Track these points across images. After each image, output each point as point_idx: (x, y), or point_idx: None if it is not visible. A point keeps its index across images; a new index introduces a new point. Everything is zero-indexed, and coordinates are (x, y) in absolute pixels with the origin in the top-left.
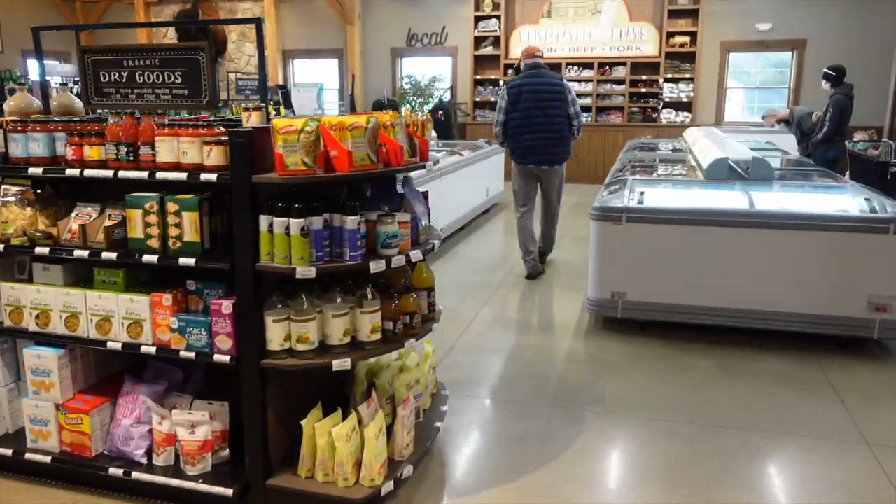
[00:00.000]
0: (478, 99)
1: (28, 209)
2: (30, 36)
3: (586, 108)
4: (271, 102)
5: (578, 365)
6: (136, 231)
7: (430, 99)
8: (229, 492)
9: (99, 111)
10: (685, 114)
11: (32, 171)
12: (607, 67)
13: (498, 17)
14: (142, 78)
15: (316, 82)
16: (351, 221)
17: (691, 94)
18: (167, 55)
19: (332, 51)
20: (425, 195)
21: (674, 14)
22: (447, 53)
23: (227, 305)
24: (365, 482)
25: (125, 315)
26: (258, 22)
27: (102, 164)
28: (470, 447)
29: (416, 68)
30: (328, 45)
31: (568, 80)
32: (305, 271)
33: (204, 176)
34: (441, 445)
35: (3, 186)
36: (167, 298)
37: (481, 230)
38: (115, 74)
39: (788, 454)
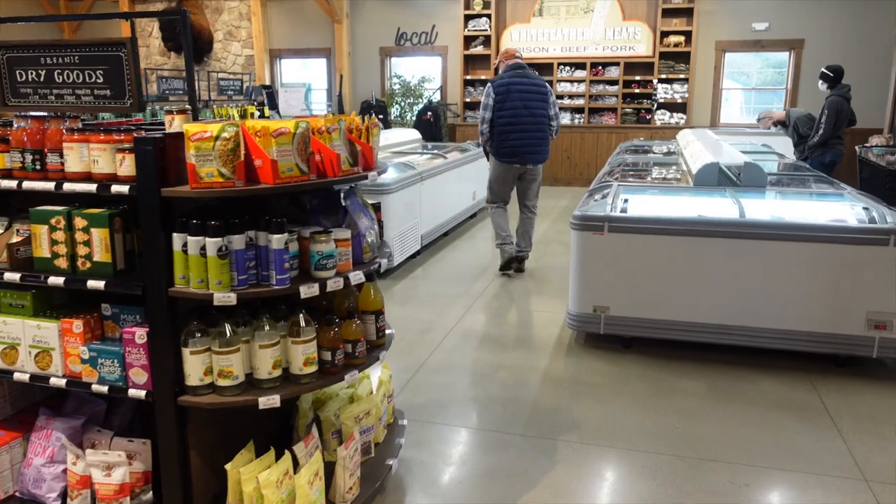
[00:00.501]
0: (468, 100)
1: None
2: (10, 34)
3: (579, 109)
4: (255, 103)
5: (555, 387)
6: (41, 249)
7: (420, 100)
8: None
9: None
10: (680, 115)
11: None
12: (600, 67)
13: (488, 16)
14: (61, 77)
15: (304, 82)
16: (277, 241)
17: (686, 95)
18: (87, 52)
19: (319, 50)
20: (377, 207)
21: (668, 13)
22: (437, 53)
23: (140, 334)
24: None
25: (32, 343)
26: (184, 15)
27: (8, 174)
28: (430, 485)
29: (406, 68)
30: (316, 44)
31: (560, 81)
32: (224, 297)
33: (115, 188)
34: (398, 483)
35: None
36: (77, 325)
37: (466, 235)
38: (32, 73)
39: (778, 492)
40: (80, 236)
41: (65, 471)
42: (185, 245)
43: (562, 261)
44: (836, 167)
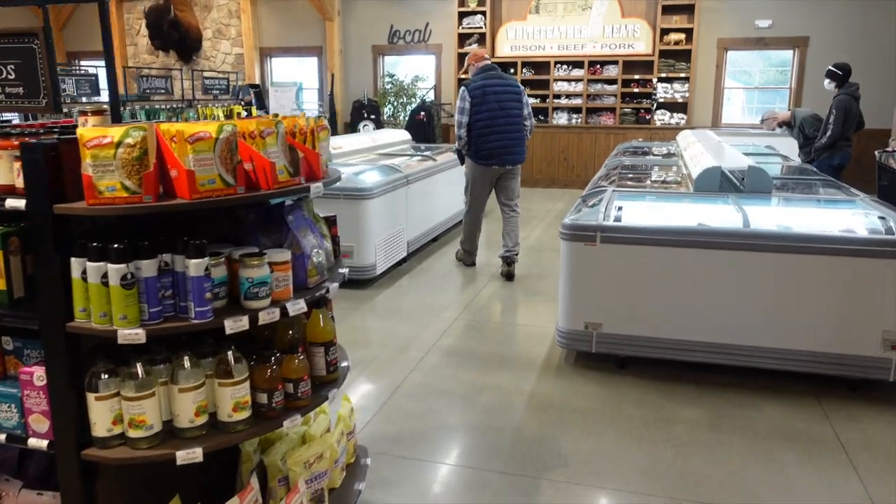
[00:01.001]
0: None
1: None
2: None
3: (576, 109)
4: (242, 103)
5: (542, 413)
6: None
7: (413, 99)
8: None
9: None
10: (680, 115)
11: None
12: (598, 66)
13: (483, 14)
14: None
15: (295, 81)
16: (195, 266)
17: (687, 95)
18: None
19: (311, 48)
20: (330, 221)
21: (668, 10)
22: (431, 52)
23: (39, 375)
24: None
25: None
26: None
27: None
28: None
29: (399, 67)
30: (307, 42)
31: (557, 80)
32: (131, 335)
33: (10, 202)
34: None
35: None
36: None
37: (457, 241)
38: None
39: None
40: None
41: None
42: (84, 272)
43: (555, 269)
44: (843, 170)
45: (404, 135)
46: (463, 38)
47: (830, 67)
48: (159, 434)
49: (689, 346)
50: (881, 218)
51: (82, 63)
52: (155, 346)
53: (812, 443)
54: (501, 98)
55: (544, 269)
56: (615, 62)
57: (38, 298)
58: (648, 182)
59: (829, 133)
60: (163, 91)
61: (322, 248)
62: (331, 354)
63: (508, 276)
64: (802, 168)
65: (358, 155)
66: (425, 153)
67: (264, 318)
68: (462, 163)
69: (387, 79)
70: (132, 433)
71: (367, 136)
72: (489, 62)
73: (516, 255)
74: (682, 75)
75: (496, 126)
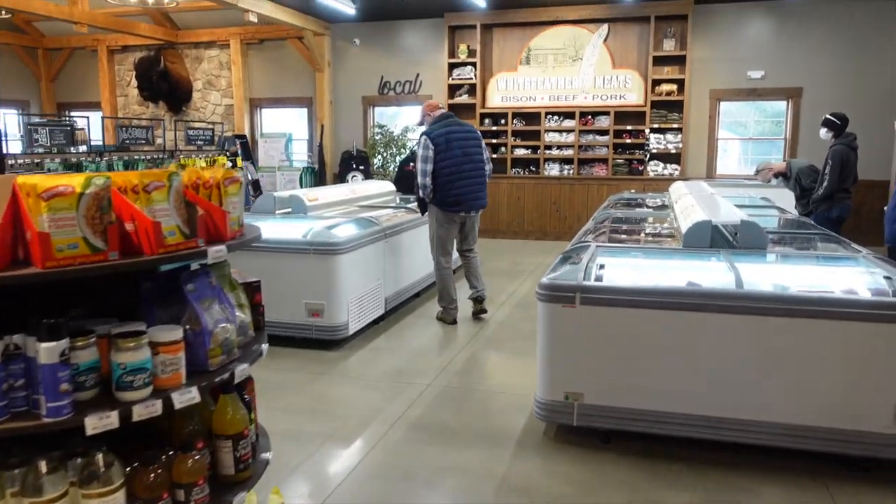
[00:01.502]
0: None
1: None
2: None
3: (568, 160)
4: (227, 154)
5: (514, 502)
6: None
7: (402, 150)
8: None
9: None
10: (674, 166)
11: None
12: (590, 117)
13: (473, 65)
14: None
15: (284, 132)
16: (46, 352)
17: (680, 146)
18: None
19: (301, 99)
20: (254, 287)
21: (659, 61)
22: (421, 102)
23: None
24: None
25: None
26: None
27: None
28: None
29: (396, 118)
30: (297, 93)
31: (548, 130)
32: None
33: None
34: None
35: None
36: None
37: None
38: None
39: None
40: None
41: None
42: None
43: None
44: (843, 223)
45: (388, 186)
46: (453, 89)
47: (827, 116)
48: None
49: (678, 420)
50: (887, 278)
51: (72, 114)
52: (7, 443)
53: None
54: (464, 144)
55: (530, 328)
56: (607, 113)
57: None
58: (638, 236)
59: (825, 184)
60: (143, 141)
61: (232, 321)
62: (241, 449)
63: (481, 311)
64: (800, 221)
65: (336, 207)
66: (409, 205)
67: (141, 412)
68: (423, 213)
69: (376, 129)
70: None
71: (347, 187)
72: (445, 110)
73: (484, 292)
74: (675, 126)
75: (462, 172)
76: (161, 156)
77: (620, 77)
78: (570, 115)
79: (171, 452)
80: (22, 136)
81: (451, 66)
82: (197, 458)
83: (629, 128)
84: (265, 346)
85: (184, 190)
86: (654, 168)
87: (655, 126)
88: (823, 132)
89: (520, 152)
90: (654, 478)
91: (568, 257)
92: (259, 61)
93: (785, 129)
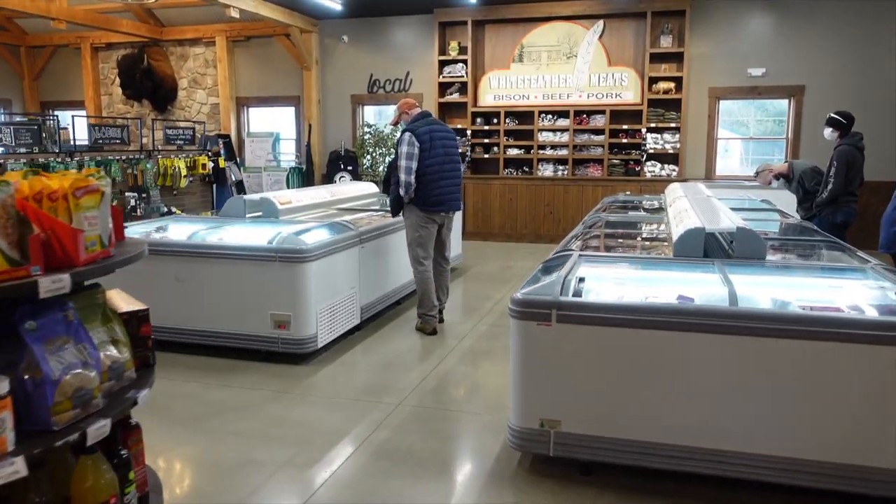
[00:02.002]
0: None
1: None
2: None
3: (562, 160)
4: (209, 154)
5: None
6: None
7: (392, 150)
8: None
9: None
10: (671, 167)
11: None
12: (584, 116)
13: (465, 62)
14: None
15: (271, 132)
16: None
17: (678, 146)
18: None
19: (288, 98)
20: (139, 318)
21: (656, 58)
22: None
23: None
24: None
25: None
26: None
27: None
28: None
29: (379, 117)
30: (284, 91)
31: (542, 129)
32: None
33: None
34: None
35: None
36: None
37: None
38: None
39: None
40: None
41: None
42: None
43: None
44: (848, 228)
45: (371, 188)
46: (444, 87)
47: (832, 115)
48: None
49: (665, 451)
50: None
51: (56, 112)
52: None
53: None
54: (446, 143)
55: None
56: (602, 112)
57: None
58: (629, 242)
59: (830, 187)
60: (118, 141)
61: (93, 365)
62: None
63: (440, 321)
64: (802, 226)
65: (311, 210)
66: (388, 208)
67: None
68: (396, 214)
69: (365, 129)
70: None
71: (326, 189)
72: (424, 109)
73: (445, 305)
74: (673, 125)
75: (444, 172)
76: (138, 156)
77: (616, 75)
78: (564, 114)
79: None
80: None
81: (442, 64)
82: None
83: (625, 127)
84: (145, 393)
85: (17, 202)
86: (651, 169)
87: (652, 125)
88: (828, 132)
89: (512, 152)
90: None
91: (548, 268)
92: (245, 59)
93: (786, 128)
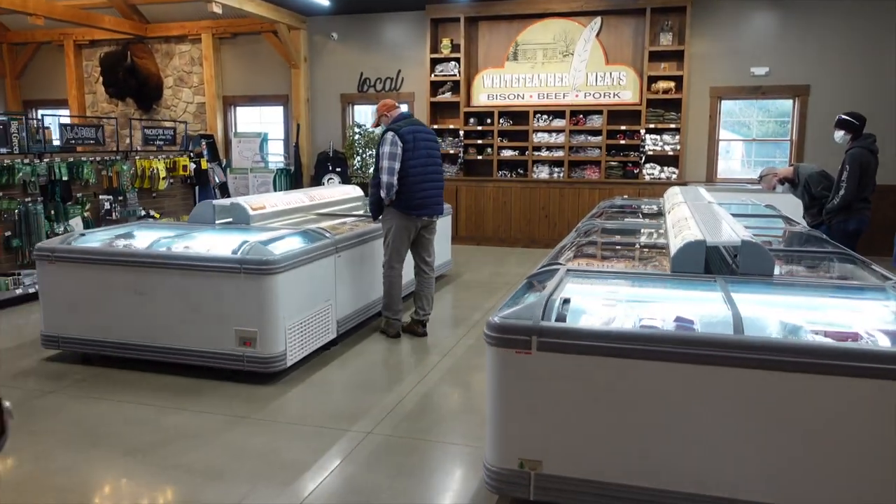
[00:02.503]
0: None
1: None
2: None
3: (558, 162)
4: (191, 154)
5: None
6: None
7: None
8: None
9: None
10: (671, 169)
11: None
12: (581, 116)
13: (457, 60)
14: None
15: (259, 132)
16: None
17: (678, 147)
18: None
19: (276, 97)
20: None
21: (655, 56)
22: (403, 101)
23: None
24: None
25: None
26: None
27: None
28: None
29: (369, 117)
30: (272, 90)
31: (537, 130)
32: None
33: None
34: None
35: None
36: None
37: (407, 316)
38: None
39: None
40: None
41: None
42: None
43: None
44: (861, 236)
45: (355, 191)
46: (436, 86)
47: (843, 116)
48: None
49: (659, 498)
50: None
51: (40, 111)
52: None
53: None
54: (429, 145)
55: None
56: (599, 112)
57: None
58: (623, 254)
59: (842, 192)
60: (92, 141)
61: None
62: None
63: (423, 334)
64: (811, 235)
65: (287, 216)
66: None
67: None
68: (376, 217)
69: (355, 129)
70: None
71: (304, 193)
72: (403, 110)
73: (429, 315)
74: (673, 126)
75: (427, 175)
76: (114, 157)
77: (614, 74)
78: (560, 114)
79: None
80: None
81: (434, 62)
82: None
83: (623, 128)
84: None
85: None
86: (650, 171)
87: (651, 126)
88: (839, 135)
89: (507, 153)
90: None
91: (532, 284)
92: (232, 57)
93: (791, 129)
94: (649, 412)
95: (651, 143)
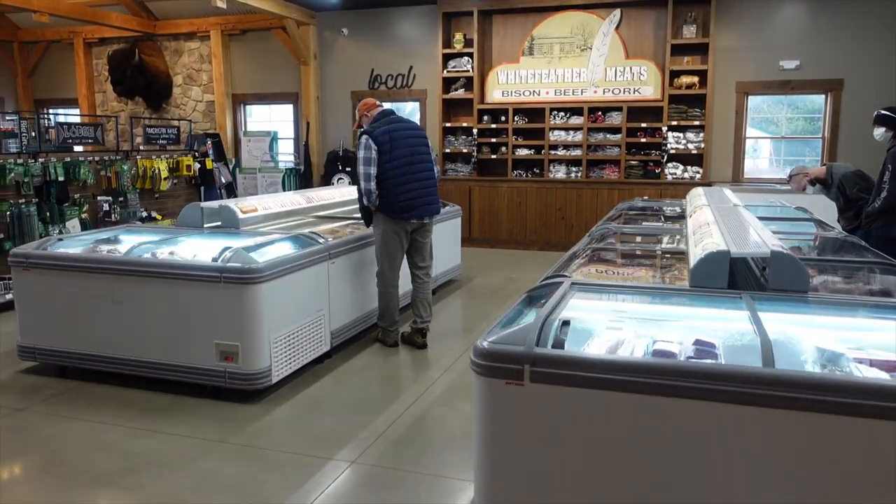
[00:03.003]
0: (448, 150)
1: None
2: None
3: (575, 161)
4: (196, 154)
5: None
6: None
7: None
8: None
9: None
10: (695, 168)
11: None
12: (600, 113)
13: (471, 56)
14: None
15: (269, 131)
16: None
17: (702, 145)
18: None
19: (286, 95)
20: None
21: (678, 49)
22: (414, 98)
23: None
24: None
25: None
26: None
27: None
28: None
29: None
30: (282, 88)
31: (553, 128)
32: None
33: None
34: None
35: None
36: None
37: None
38: None
39: None
40: None
41: None
42: None
43: None
44: None
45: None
46: (448, 83)
47: (882, 112)
48: None
49: None
50: None
51: (51, 110)
52: None
53: None
54: (411, 143)
55: None
56: (619, 108)
57: None
58: (640, 262)
59: (884, 195)
60: (90, 141)
61: None
62: None
63: (423, 345)
64: (847, 242)
65: (281, 220)
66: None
67: None
68: (368, 224)
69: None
70: None
71: (302, 194)
72: (386, 108)
73: (429, 324)
74: (697, 123)
75: (411, 174)
76: (114, 157)
77: (634, 68)
78: (577, 111)
79: None
80: None
81: (446, 58)
82: None
83: (644, 125)
84: None
85: None
86: (673, 171)
87: (674, 123)
88: (881, 132)
89: (522, 152)
90: None
91: (531, 300)
92: (242, 54)
93: (823, 126)
94: (660, 457)
95: (673, 141)
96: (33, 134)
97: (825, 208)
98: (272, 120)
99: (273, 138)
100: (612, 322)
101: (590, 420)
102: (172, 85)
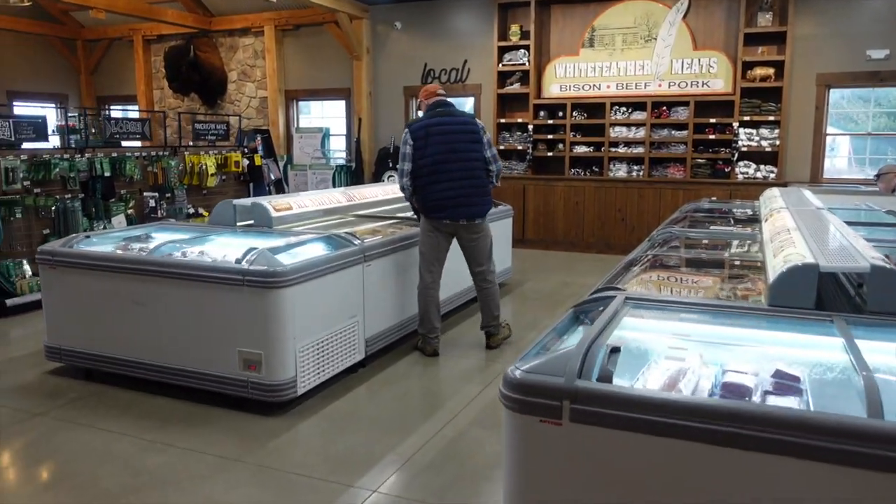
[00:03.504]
0: (503, 146)
1: None
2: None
3: (637, 160)
4: (245, 150)
5: None
6: None
7: None
8: None
9: None
10: (769, 168)
11: None
12: (664, 108)
13: (527, 48)
14: None
15: (320, 127)
16: None
17: (777, 143)
18: None
19: (339, 91)
20: None
21: (752, 39)
22: (469, 93)
23: None
24: None
25: None
26: None
27: None
28: None
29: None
30: (334, 83)
31: (614, 124)
32: None
33: None
34: None
35: None
36: None
37: (448, 336)
38: None
39: None
40: None
41: None
42: None
43: None
44: None
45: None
46: (503, 77)
47: None
48: None
49: None
50: None
51: (112, 107)
52: None
53: None
54: (450, 139)
55: None
56: (685, 103)
57: None
58: (707, 272)
59: None
60: (137, 136)
61: None
62: None
63: (490, 347)
64: None
65: (317, 218)
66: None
67: None
68: (419, 219)
69: None
70: None
71: (343, 192)
72: (441, 98)
73: (497, 325)
74: (771, 119)
75: (445, 171)
76: (161, 152)
77: (703, 60)
78: (640, 106)
79: None
80: None
81: (502, 51)
82: None
83: (713, 121)
84: None
85: None
86: (744, 170)
87: (746, 119)
88: None
89: (580, 150)
90: None
91: (578, 317)
92: (295, 49)
93: None
94: None
95: (745, 138)
96: (93, 130)
97: None
98: (324, 116)
99: (325, 135)
100: (673, 346)
101: (640, 471)
102: (227, 81)
